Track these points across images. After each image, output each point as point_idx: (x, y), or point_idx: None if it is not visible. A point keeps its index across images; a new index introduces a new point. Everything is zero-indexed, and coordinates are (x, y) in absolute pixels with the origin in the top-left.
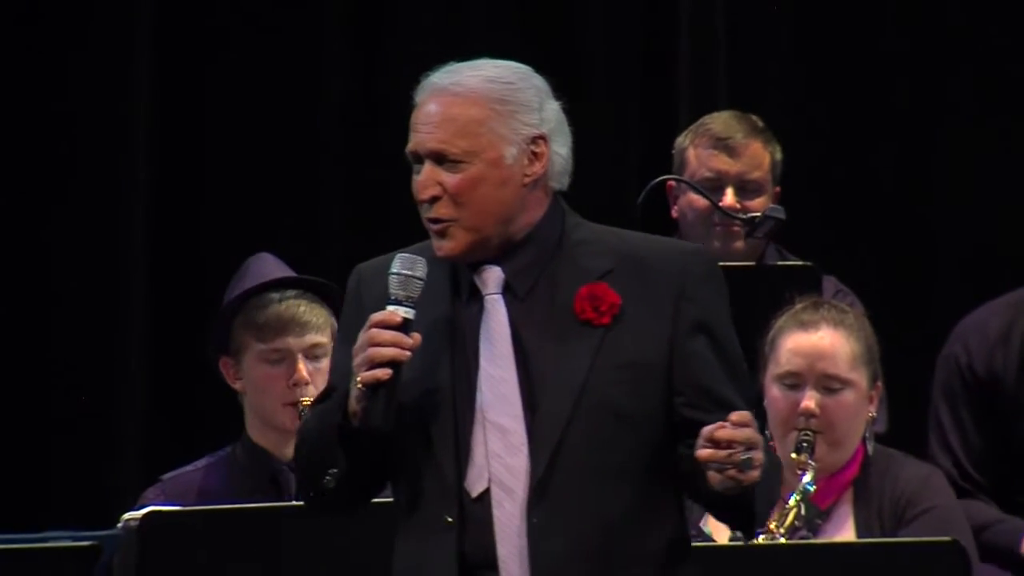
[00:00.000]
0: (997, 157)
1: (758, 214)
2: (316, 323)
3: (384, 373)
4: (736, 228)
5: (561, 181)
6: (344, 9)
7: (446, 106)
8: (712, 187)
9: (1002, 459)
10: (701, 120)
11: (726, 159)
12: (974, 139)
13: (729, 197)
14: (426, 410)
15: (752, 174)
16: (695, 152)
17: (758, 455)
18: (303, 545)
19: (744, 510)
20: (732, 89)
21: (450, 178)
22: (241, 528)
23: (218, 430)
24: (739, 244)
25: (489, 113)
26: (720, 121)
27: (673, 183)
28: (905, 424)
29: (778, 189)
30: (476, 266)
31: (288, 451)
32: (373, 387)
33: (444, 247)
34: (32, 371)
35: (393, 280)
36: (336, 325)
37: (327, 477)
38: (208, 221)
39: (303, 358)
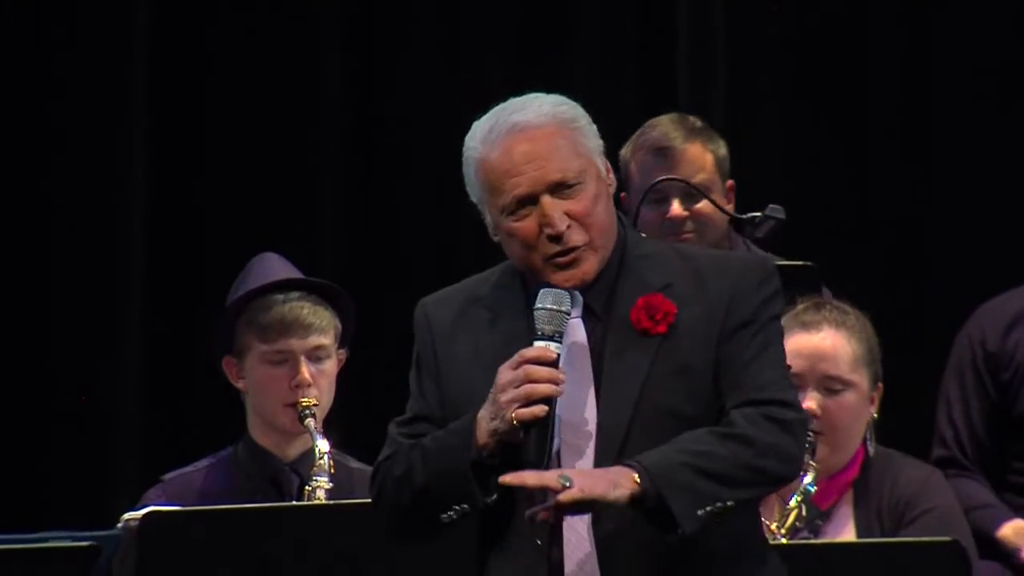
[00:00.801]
0: (996, 157)
1: (758, 214)
2: (319, 325)
3: (541, 410)
4: (687, 235)
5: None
6: (343, 10)
7: (538, 140)
8: (658, 199)
9: (1003, 437)
10: (641, 128)
11: (665, 168)
12: (974, 139)
13: (675, 206)
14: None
15: (694, 178)
16: (636, 166)
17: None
18: (303, 546)
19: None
20: (732, 89)
21: (573, 204)
22: (241, 529)
23: (218, 430)
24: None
25: (573, 135)
26: (657, 129)
27: (624, 196)
28: (905, 424)
29: (731, 183)
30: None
31: (289, 451)
32: (527, 424)
33: (576, 275)
34: (32, 370)
35: (541, 315)
36: (340, 327)
37: (450, 512)
38: (208, 221)
39: (306, 360)
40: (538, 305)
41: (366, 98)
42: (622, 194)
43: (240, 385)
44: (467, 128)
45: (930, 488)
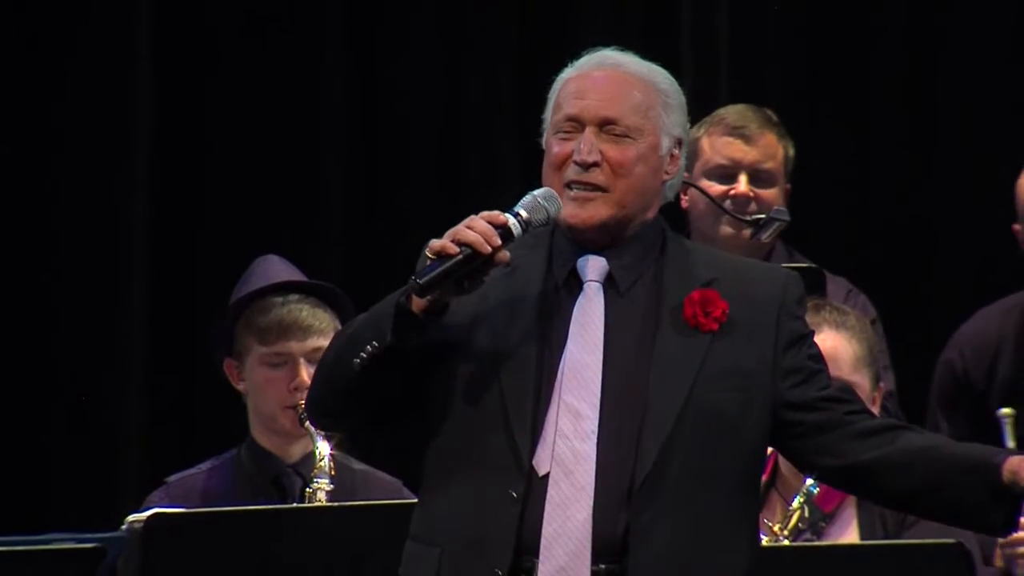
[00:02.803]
0: (999, 158)
1: (762, 216)
2: (319, 327)
3: (454, 248)
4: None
5: (671, 194)
6: (344, 11)
7: (619, 81)
8: (725, 175)
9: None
10: (715, 112)
11: (741, 146)
12: (975, 139)
13: (742, 184)
14: (506, 380)
15: (766, 163)
16: (709, 140)
17: None
18: (306, 547)
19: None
20: (733, 90)
21: (614, 149)
22: (245, 530)
23: (220, 432)
24: (748, 233)
25: (658, 100)
26: (735, 112)
27: (687, 173)
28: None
29: (788, 187)
30: (579, 253)
31: (291, 453)
32: (438, 258)
33: (582, 214)
34: (35, 373)
35: (526, 198)
36: (339, 329)
37: (362, 354)
38: (209, 222)
39: (305, 362)
40: (531, 193)
41: (369, 100)
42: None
43: (241, 387)
44: (468, 129)
45: None
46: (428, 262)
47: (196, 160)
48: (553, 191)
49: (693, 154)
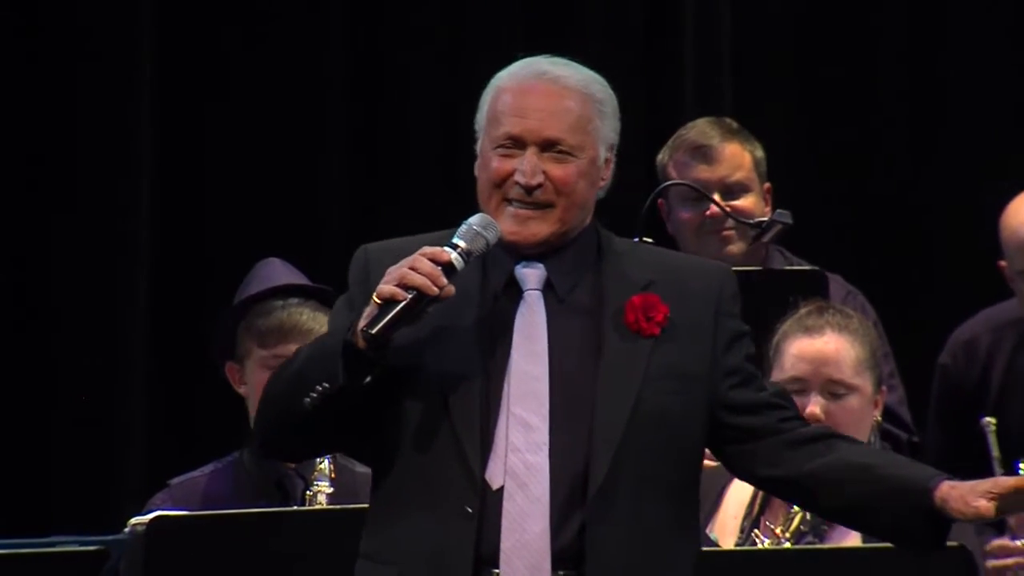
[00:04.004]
0: (998, 160)
1: (764, 219)
2: (318, 330)
3: (402, 294)
4: (728, 232)
5: (603, 194)
6: (346, 10)
7: (558, 96)
8: (697, 197)
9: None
10: (677, 133)
11: (705, 167)
12: (976, 140)
13: (717, 203)
14: (452, 397)
15: (734, 176)
16: (674, 167)
17: None
18: (308, 550)
19: None
20: (736, 91)
21: (557, 168)
22: (247, 533)
23: (223, 435)
24: (733, 248)
25: (595, 111)
26: (695, 130)
27: (663, 202)
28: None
29: (768, 186)
30: (515, 260)
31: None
32: (385, 304)
33: (523, 232)
34: (38, 376)
35: (463, 228)
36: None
37: (312, 394)
38: (212, 224)
39: None
40: (467, 221)
41: (371, 101)
42: (659, 200)
43: (242, 391)
44: (470, 130)
45: None
46: (376, 308)
47: (199, 162)
48: (489, 218)
49: (664, 181)
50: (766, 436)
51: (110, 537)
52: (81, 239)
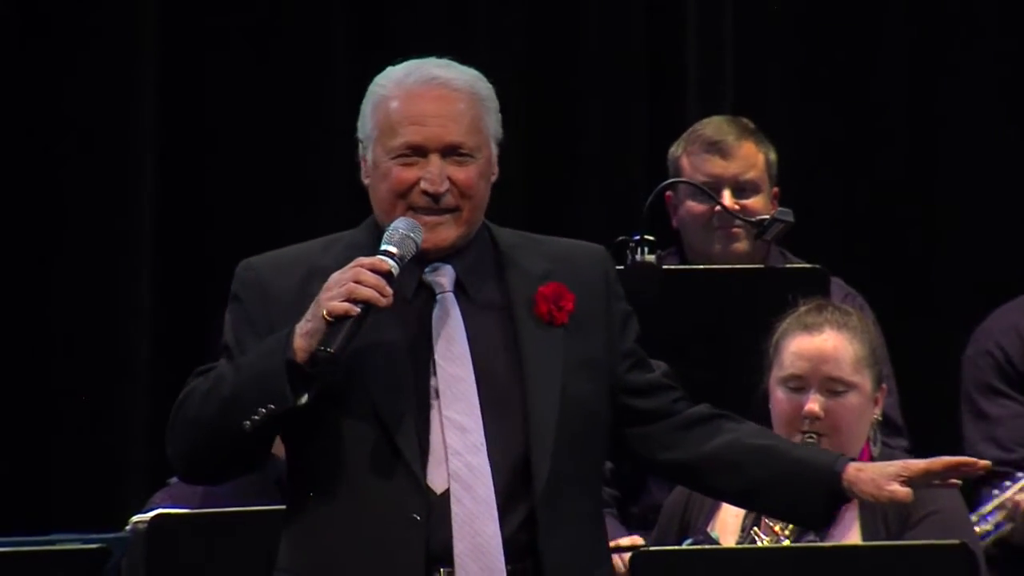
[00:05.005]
0: (1000, 158)
1: (766, 217)
2: None
3: (355, 309)
4: (736, 229)
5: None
6: (349, 8)
7: (450, 101)
8: (706, 193)
9: None
10: (692, 127)
11: (720, 162)
12: (977, 139)
13: (726, 199)
14: (383, 405)
15: (747, 174)
16: (688, 159)
17: None
18: None
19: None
20: (738, 91)
21: (460, 172)
22: (248, 530)
23: None
24: (739, 246)
25: (483, 109)
26: (711, 126)
27: (671, 195)
28: (909, 424)
29: (776, 190)
30: (421, 263)
31: None
32: (337, 321)
33: (434, 239)
34: (40, 374)
35: (392, 234)
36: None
37: (254, 416)
38: (214, 223)
39: None
40: (392, 226)
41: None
42: (667, 193)
43: None
44: None
45: (936, 490)
46: (325, 325)
47: (202, 161)
48: (414, 221)
49: (675, 174)
50: (660, 418)
51: (111, 535)
52: (84, 238)
